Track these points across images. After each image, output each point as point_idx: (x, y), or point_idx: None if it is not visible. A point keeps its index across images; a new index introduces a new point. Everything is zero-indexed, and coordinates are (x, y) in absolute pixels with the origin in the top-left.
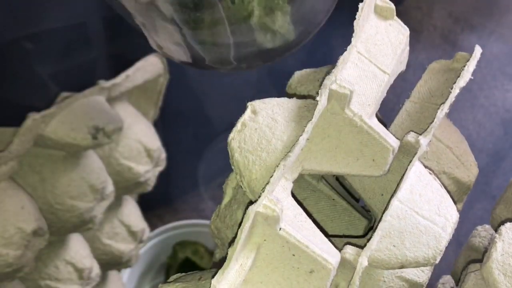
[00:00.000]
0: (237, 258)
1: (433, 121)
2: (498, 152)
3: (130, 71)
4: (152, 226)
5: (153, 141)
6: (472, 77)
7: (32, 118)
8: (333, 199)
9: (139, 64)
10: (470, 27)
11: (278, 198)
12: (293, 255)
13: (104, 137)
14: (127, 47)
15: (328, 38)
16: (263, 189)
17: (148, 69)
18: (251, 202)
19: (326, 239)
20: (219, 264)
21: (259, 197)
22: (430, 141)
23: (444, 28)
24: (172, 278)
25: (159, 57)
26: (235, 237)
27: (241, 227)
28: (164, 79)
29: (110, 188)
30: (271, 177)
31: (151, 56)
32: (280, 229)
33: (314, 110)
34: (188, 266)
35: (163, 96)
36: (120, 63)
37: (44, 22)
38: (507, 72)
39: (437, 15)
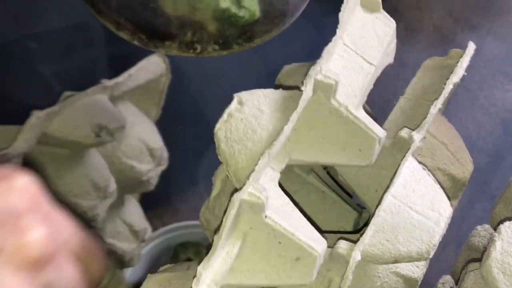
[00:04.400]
0: (223, 246)
1: (426, 117)
2: (498, 152)
3: (132, 71)
4: (152, 226)
5: (156, 140)
6: (467, 74)
7: (36, 116)
8: (323, 192)
9: (141, 64)
10: (469, 27)
11: (263, 186)
12: (279, 242)
13: (107, 135)
14: (129, 46)
15: (328, 38)
16: (248, 177)
17: (150, 68)
18: (236, 190)
19: (312, 228)
20: (206, 253)
21: (244, 185)
22: (424, 137)
23: (444, 27)
24: (162, 268)
25: (161, 57)
26: (220, 225)
27: (226, 214)
28: (166, 79)
29: (112, 186)
30: (256, 165)
31: (153, 56)
32: (265, 216)
33: (300, 100)
34: None
35: (165, 95)
36: (123, 62)
37: (47, 22)
38: (507, 72)
39: (437, 14)
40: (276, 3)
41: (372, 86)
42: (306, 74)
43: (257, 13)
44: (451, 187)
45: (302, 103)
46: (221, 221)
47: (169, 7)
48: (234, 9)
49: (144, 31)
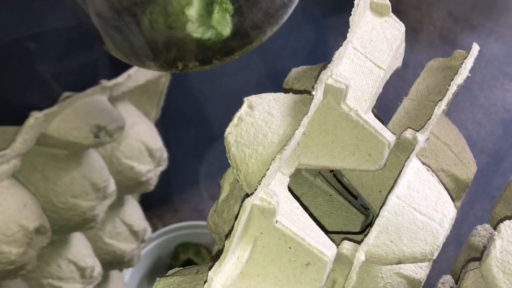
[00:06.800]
0: (234, 251)
1: (430, 117)
2: (498, 152)
3: (132, 71)
4: (153, 226)
5: (155, 141)
6: (470, 74)
7: (35, 117)
8: (330, 195)
9: None
10: (469, 27)
11: (274, 191)
12: (290, 247)
13: (106, 136)
14: None
15: (328, 38)
16: (259, 182)
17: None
18: (247, 195)
19: (322, 233)
20: (216, 258)
21: (255, 190)
22: (427, 138)
23: (444, 28)
24: (170, 272)
25: None
26: (231, 230)
27: (237, 219)
28: (165, 79)
29: (112, 187)
30: (267, 170)
31: None
32: (276, 221)
33: (310, 104)
34: None
35: (164, 96)
36: (122, 63)
37: (46, 22)
38: (507, 72)
39: (437, 15)
40: (250, 16)
41: (381, 90)
42: (314, 77)
43: (226, 32)
44: (454, 188)
45: (313, 107)
46: (232, 226)
47: (147, 31)
48: (196, 34)
49: (126, 53)
